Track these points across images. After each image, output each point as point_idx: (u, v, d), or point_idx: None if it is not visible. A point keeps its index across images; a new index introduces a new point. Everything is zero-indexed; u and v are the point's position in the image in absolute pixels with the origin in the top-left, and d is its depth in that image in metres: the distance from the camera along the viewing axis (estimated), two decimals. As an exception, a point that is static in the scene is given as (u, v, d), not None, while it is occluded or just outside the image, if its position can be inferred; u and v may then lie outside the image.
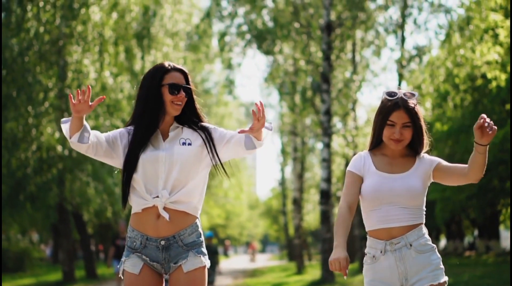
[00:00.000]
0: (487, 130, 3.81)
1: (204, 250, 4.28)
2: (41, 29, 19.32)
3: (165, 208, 4.17)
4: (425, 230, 4.06)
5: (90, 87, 4.03)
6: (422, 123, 4.07)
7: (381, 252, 4.01)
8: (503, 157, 21.76)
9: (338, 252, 3.96)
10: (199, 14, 29.04)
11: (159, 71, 4.26)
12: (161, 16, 23.64)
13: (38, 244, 41.38)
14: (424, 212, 4.08)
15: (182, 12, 26.22)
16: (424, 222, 4.06)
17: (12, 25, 19.09)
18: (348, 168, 4.20)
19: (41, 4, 19.34)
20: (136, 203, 4.21)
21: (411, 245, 3.98)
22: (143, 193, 4.18)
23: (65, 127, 4.15)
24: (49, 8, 19.51)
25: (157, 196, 4.17)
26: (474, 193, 26.05)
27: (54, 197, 21.07)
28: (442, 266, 4.05)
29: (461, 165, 4.04)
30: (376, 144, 4.18)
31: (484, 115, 3.83)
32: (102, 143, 4.22)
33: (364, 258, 4.15)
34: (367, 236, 4.13)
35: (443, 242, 52.55)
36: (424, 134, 4.10)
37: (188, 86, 4.28)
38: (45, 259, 42.81)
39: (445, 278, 4.04)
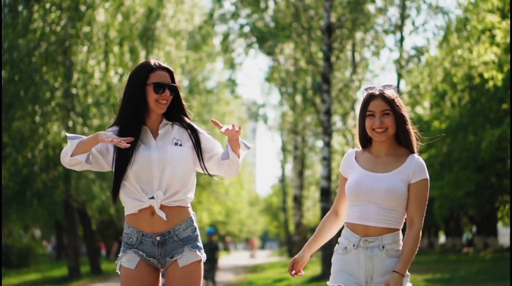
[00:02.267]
0: None
1: (200, 244, 4.31)
2: (47, 30, 19.69)
3: (160, 207, 4.21)
4: (401, 236, 4.04)
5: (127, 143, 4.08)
6: (404, 112, 4.02)
7: (353, 245, 4.01)
8: (500, 155, 22.06)
9: (297, 254, 4.25)
10: (201, 13, 29.35)
11: (144, 69, 4.25)
12: (163, 16, 23.94)
13: (40, 241, 41.61)
14: (404, 217, 4.05)
15: (184, 12, 26.51)
16: (401, 228, 4.05)
17: (19, 26, 19.44)
18: (340, 169, 4.23)
19: (47, 5, 19.71)
20: (132, 205, 4.23)
21: (383, 247, 3.97)
22: (138, 194, 4.19)
23: (73, 143, 4.16)
24: (55, 9, 19.88)
25: (153, 197, 4.18)
26: (472, 191, 26.31)
27: (60, 194, 21.43)
28: (408, 273, 4.01)
29: (410, 214, 3.99)
30: (364, 142, 4.15)
31: None
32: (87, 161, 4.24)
33: (336, 246, 4.14)
34: (345, 226, 4.13)
35: (442, 238, 52.79)
36: (408, 124, 4.03)
37: (173, 84, 4.27)
38: (47, 255, 43.04)
39: (409, 285, 4.02)
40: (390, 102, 3.99)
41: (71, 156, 4.15)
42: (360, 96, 22.45)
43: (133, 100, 4.23)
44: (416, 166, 4.01)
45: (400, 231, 4.04)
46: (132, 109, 4.24)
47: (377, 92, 4.02)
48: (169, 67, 4.30)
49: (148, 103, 4.24)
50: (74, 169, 4.25)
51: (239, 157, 4.24)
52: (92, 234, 26.13)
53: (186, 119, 4.37)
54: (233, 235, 71.15)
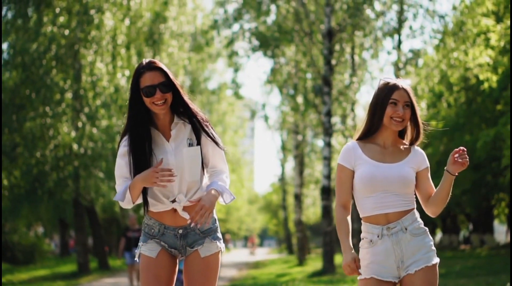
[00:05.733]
0: (459, 159, 4.01)
1: (219, 235, 4.34)
2: (58, 34, 20.29)
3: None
4: (417, 214, 4.18)
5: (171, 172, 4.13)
6: (418, 108, 4.18)
7: (378, 236, 4.09)
8: (496, 154, 22.52)
9: (346, 256, 4.13)
10: (203, 15, 29.82)
11: (135, 76, 4.18)
12: (167, 19, 24.46)
13: (43, 238, 42.00)
14: (415, 198, 4.21)
15: (186, 14, 27.01)
16: (415, 206, 4.20)
17: (30, 30, 20.02)
18: (339, 161, 4.22)
19: (57, 10, 20.31)
20: (154, 206, 4.27)
21: (406, 229, 4.09)
22: (160, 199, 4.24)
23: (127, 196, 4.23)
24: (65, 13, 20.49)
25: (174, 200, 4.22)
26: (468, 189, 26.74)
27: (70, 192, 22.01)
28: (434, 248, 4.15)
29: (430, 191, 4.20)
30: (370, 131, 4.21)
31: (462, 147, 4.02)
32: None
33: (361, 242, 4.19)
34: (362, 222, 4.19)
35: (439, 236, 53.15)
36: (419, 118, 4.18)
37: (162, 81, 4.14)
38: (51, 252, 43.36)
39: (437, 260, 4.14)
40: (411, 96, 4.13)
41: (134, 202, 4.26)
42: (359, 97, 23.12)
43: (133, 107, 4.18)
44: (421, 156, 4.21)
45: (415, 209, 4.19)
46: (135, 117, 4.19)
47: (402, 84, 4.14)
48: (159, 65, 4.19)
49: (147, 107, 4.18)
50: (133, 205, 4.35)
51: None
52: (100, 231, 26.66)
53: (193, 116, 4.28)
54: (232, 233, 71.41)
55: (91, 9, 20.36)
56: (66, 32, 20.49)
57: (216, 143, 4.30)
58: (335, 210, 4.28)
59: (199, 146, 4.24)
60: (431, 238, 4.16)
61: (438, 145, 25.62)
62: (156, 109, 4.15)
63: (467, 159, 4.00)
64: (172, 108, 4.25)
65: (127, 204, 4.25)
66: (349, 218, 4.19)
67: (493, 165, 24.86)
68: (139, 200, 4.29)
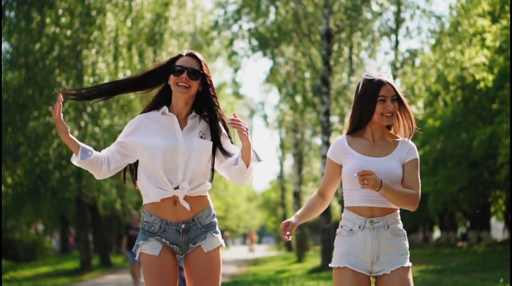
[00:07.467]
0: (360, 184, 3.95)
1: (219, 230, 4.35)
2: (60, 35, 20.59)
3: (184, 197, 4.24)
4: (399, 216, 4.17)
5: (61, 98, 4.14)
6: (403, 97, 4.17)
7: (359, 227, 4.08)
8: (493, 152, 22.81)
9: (290, 218, 4.21)
10: (203, 15, 30.06)
11: (174, 58, 4.24)
12: (167, 19, 24.72)
13: (44, 235, 42.25)
14: None
15: (186, 14, 27.27)
16: (399, 208, 4.17)
17: (33, 31, 20.31)
18: (327, 154, 4.24)
19: (60, 11, 20.61)
20: (154, 193, 4.22)
21: (388, 227, 4.08)
22: (163, 184, 4.20)
23: (75, 160, 4.22)
24: (67, 14, 20.80)
25: (177, 187, 4.20)
26: (465, 186, 27.01)
27: (73, 191, 22.29)
28: (408, 251, 4.17)
29: (407, 185, 4.13)
30: (359, 127, 4.18)
31: (359, 172, 3.94)
32: (116, 156, 4.29)
33: (339, 229, 4.17)
34: (345, 210, 4.18)
35: (437, 233, 53.37)
36: (409, 108, 4.17)
37: (193, 68, 4.20)
38: (51, 249, 43.62)
39: (410, 264, 4.15)
40: (396, 89, 4.11)
41: (82, 158, 4.16)
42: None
43: (161, 85, 4.30)
44: (409, 148, 4.17)
45: (399, 211, 4.19)
46: (159, 94, 4.31)
47: (386, 79, 4.11)
48: (198, 56, 4.26)
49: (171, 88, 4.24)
50: (108, 174, 4.30)
51: (248, 166, 4.21)
52: (102, 228, 26.94)
53: (213, 114, 4.29)
54: (231, 230, 71.70)
55: (93, 10, 20.66)
56: (69, 33, 20.77)
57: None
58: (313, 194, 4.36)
59: (208, 142, 4.26)
60: (407, 241, 4.19)
61: (435, 143, 25.90)
62: (177, 91, 4.19)
63: (363, 183, 3.92)
64: (196, 106, 4.31)
65: (96, 168, 4.23)
66: (322, 205, 4.29)
67: (490, 163, 25.10)
68: (108, 169, 4.27)
